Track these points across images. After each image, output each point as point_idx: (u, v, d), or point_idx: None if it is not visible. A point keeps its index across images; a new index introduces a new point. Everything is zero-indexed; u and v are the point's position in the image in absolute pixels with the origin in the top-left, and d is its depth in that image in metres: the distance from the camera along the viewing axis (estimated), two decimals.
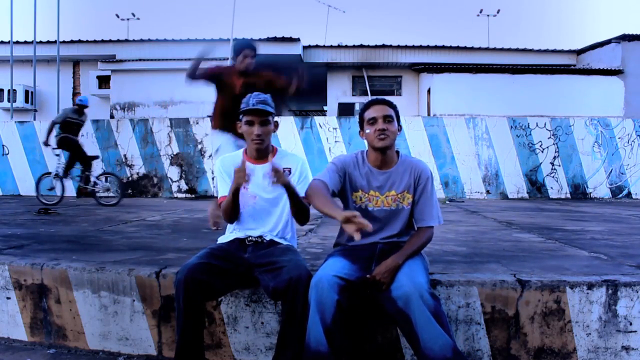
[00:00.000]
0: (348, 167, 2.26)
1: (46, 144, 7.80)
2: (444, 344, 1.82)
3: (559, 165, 10.06)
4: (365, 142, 2.27)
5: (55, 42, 13.40)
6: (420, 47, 14.83)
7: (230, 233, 2.41)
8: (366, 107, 2.23)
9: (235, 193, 2.22)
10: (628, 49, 13.18)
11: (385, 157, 2.21)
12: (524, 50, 15.13)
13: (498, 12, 17.99)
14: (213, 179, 10.24)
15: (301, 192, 2.28)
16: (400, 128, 2.24)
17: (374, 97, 2.32)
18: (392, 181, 2.22)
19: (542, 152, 10.04)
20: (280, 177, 2.09)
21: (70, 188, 9.52)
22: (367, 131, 2.19)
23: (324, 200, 2.01)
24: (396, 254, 2.07)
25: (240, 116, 2.35)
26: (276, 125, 2.40)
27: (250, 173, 2.16)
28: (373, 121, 2.16)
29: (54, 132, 7.83)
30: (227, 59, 12.72)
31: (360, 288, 2.05)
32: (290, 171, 2.36)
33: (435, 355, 1.81)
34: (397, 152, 2.29)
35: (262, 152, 2.36)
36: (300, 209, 2.25)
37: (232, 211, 2.30)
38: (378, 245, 2.21)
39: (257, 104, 2.27)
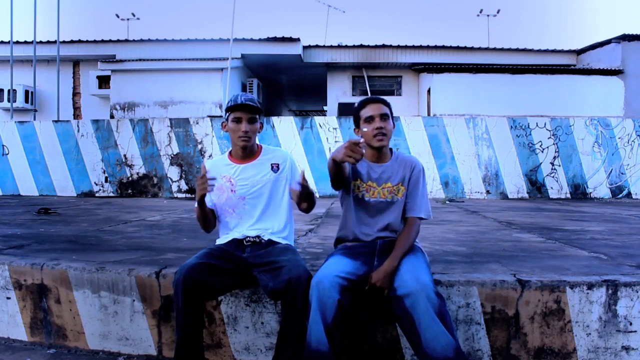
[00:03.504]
0: None
1: None
2: (447, 344, 1.82)
3: (559, 165, 10.05)
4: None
5: (55, 42, 13.40)
6: (420, 47, 14.82)
7: (227, 235, 2.41)
8: (362, 105, 2.27)
9: (201, 203, 2.25)
10: (628, 49, 13.17)
11: (381, 154, 2.29)
12: (524, 50, 15.12)
13: (498, 12, 17.96)
14: None
15: (296, 179, 2.32)
16: (394, 125, 2.32)
17: (369, 96, 2.37)
18: (389, 174, 2.28)
19: (542, 152, 10.04)
20: (306, 188, 2.15)
21: None
22: (365, 129, 2.23)
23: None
24: (391, 256, 2.10)
25: (226, 114, 2.35)
26: (261, 126, 2.40)
27: (212, 180, 2.14)
28: (370, 119, 2.21)
29: None
30: (227, 59, 12.75)
31: (362, 286, 2.06)
32: (278, 167, 2.39)
33: (437, 355, 1.81)
34: (390, 149, 2.36)
35: (248, 150, 2.37)
36: (309, 201, 2.25)
37: (204, 221, 2.35)
38: (378, 242, 2.24)
39: (245, 101, 2.28)
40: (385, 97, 2.34)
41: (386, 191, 2.27)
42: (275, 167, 2.38)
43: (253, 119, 2.31)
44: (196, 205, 2.28)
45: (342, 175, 2.15)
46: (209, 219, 2.37)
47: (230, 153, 2.44)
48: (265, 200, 2.36)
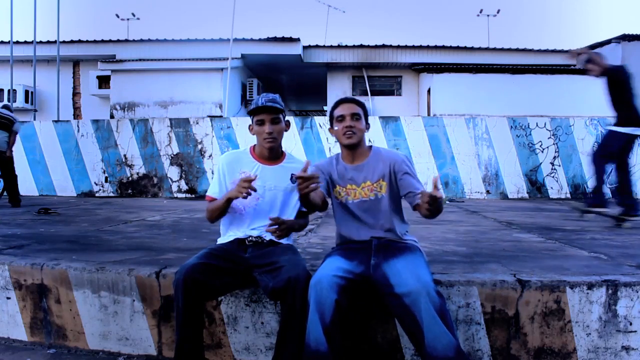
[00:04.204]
0: (325, 169, 2.36)
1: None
2: (448, 344, 1.81)
3: (559, 165, 10.05)
4: (335, 138, 2.35)
5: (55, 42, 13.40)
6: (420, 47, 14.83)
7: (230, 233, 2.41)
8: (335, 105, 2.34)
9: (228, 201, 2.24)
10: (628, 49, 13.17)
11: (355, 153, 2.31)
12: (524, 50, 15.14)
13: (498, 12, 18.00)
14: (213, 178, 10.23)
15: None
16: (368, 126, 2.34)
17: (344, 97, 2.42)
18: (366, 173, 2.30)
19: (542, 152, 10.03)
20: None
21: None
22: (336, 128, 2.30)
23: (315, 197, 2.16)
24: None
25: (251, 117, 2.36)
26: (287, 124, 2.41)
27: (254, 187, 2.13)
28: (341, 119, 2.27)
29: None
30: (227, 59, 12.75)
31: (360, 285, 2.06)
32: None
33: (438, 355, 1.81)
34: (371, 147, 2.37)
35: (273, 152, 2.37)
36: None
37: (218, 215, 2.35)
38: (373, 241, 2.25)
39: (266, 103, 2.29)
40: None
41: (367, 190, 2.29)
42: (294, 179, 2.38)
43: (276, 119, 2.31)
44: (221, 200, 2.25)
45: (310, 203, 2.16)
46: (225, 214, 2.34)
47: (253, 149, 2.43)
48: (276, 205, 2.37)
